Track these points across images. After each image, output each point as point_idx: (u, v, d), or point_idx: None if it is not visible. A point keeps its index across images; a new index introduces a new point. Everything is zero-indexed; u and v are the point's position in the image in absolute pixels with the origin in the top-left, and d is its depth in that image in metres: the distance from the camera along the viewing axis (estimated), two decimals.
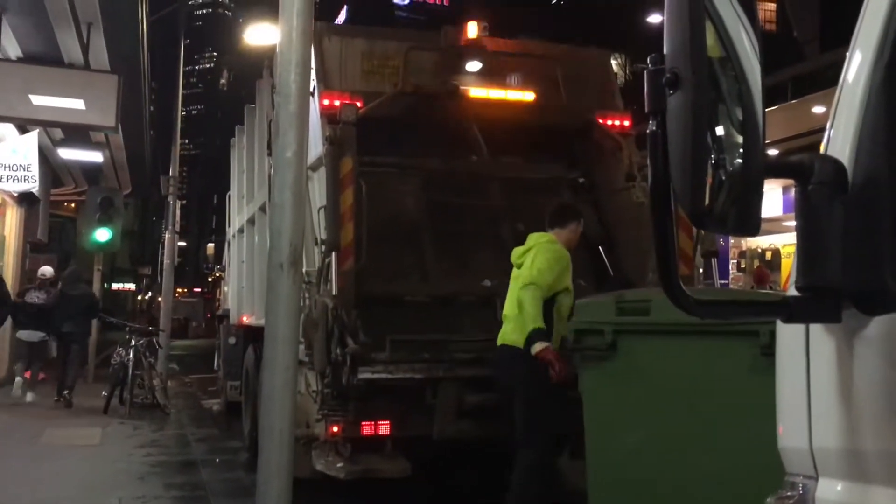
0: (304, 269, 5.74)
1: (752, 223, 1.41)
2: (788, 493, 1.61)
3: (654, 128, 1.34)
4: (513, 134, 6.41)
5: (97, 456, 7.55)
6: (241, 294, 9.57)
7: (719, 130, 1.39)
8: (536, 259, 4.70)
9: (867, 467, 1.46)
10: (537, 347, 4.43)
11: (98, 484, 6.27)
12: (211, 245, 14.29)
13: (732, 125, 1.41)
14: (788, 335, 1.64)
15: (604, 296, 4.40)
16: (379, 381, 4.89)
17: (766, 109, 1.42)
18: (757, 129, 1.39)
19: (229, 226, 11.38)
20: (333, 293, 5.07)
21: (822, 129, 1.64)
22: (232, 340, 10.38)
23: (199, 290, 47.40)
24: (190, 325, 36.27)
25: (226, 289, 12.24)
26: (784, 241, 15.17)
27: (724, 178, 1.37)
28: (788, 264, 15.10)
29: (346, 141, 5.26)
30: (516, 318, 4.65)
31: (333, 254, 5.14)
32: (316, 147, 6.01)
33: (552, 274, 4.63)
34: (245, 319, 8.90)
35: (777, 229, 13.82)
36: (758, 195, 1.41)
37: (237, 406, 9.42)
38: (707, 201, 1.35)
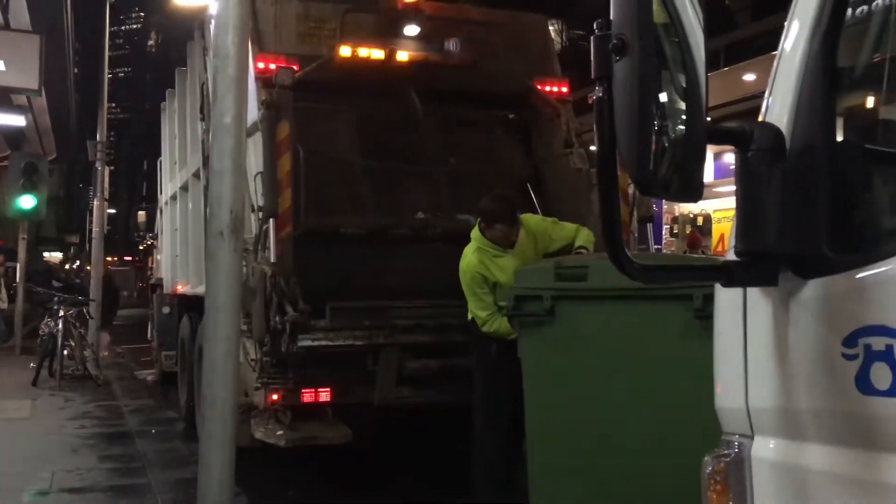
0: (244, 236, 5.68)
1: (694, 188, 1.43)
2: (725, 452, 1.67)
3: (600, 94, 1.35)
4: (450, 99, 6.37)
5: (28, 429, 7.37)
6: (175, 262, 9.36)
7: (664, 97, 1.40)
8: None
9: (800, 425, 1.51)
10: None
11: (30, 457, 6.11)
12: (142, 212, 13.89)
13: (676, 92, 1.42)
14: (726, 298, 1.68)
15: (543, 262, 4.44)
16: (319, 348, 4.86)
17: None
18: (700, 96, 1.41)
19: (161, 193, 11.08)
20: (272, 261, 5.00)
21: (754, 97, 1.67)
22: (166, 310, 10.20)
23: (130, 258, 46.20)
24: (121, 295, 35.37)
25: (159, 257, 11.94)
26: (715, 207, 15.52)
27: (667, 144, 1.39)
28: (720, 229, 15.51)
29: (282, 105, 5.15)
30: None
31: (271, 220, 5.05)
32: (251, 112, 5.86)
33: (479, 300, 4.57)
34: (180, 288, 8.72)
35: (709, 195, 14.11)
36: (700, 161, 1.44)
37: (172, 376, 9.27)
38: (651, 167, 1.36)
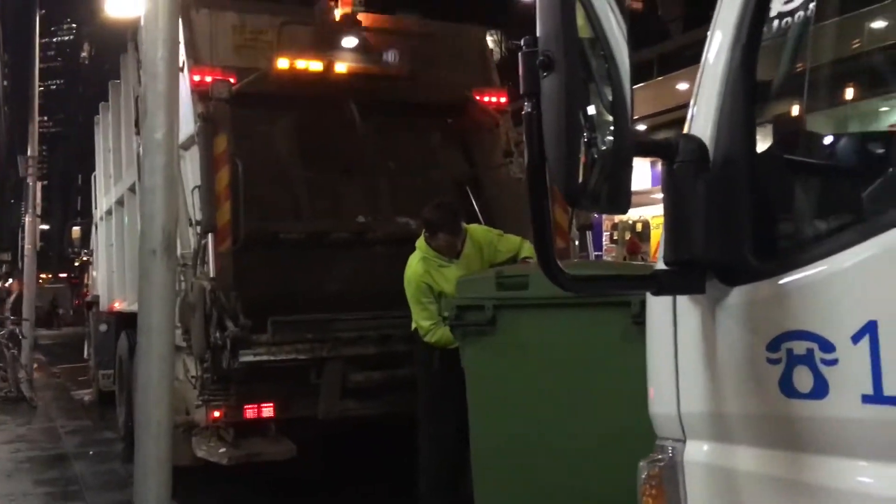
0: (178, 252, 5.58)
1: (622, 201, 1.46)
2: (659, 456, 1.70)
3: (529, 109, 1.37)
4: (390, 110, 6.38)
5: None
6: (111, 279, 9.15)
7: (591, 110, 1.43)
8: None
9: (729, 428, 1.56)
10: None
11: None
12: (76, 228, 13.55)
13: (603, 105, 1.45)
14: (657, 306, 1.72)
15: (484, 271, 4.47)
16: (261, 363, 4.80)
17: (634, 87, 1.47)
18: (625, 108, 1.44)
19: (96, 208, 10.82)
20: (211, 275, 4.92)
21: (687, 106, 1.72)
22: (103, 327, 9.94)
23: (65, 275, 44.92)
24: (56, 313, 34.37)
25: (94, 274, 11.65)
26: (653, 213, 15.86)
27: (595, 157, 1.41)
28: (658, 235, 15.81)
29: (219, 119, 5.09)
30: None
31: (210, 235, 4.98)
32: (187, 125, 5.76)
33: (424, 309, 4.53)
34: (117, 305, 8.52)
35: (646, 202, 14.41)
36: (627, 173, 1.47)
37: (110, 395, 9.04)
38: (580, 180, 1.39)
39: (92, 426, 8.88)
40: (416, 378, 4.73)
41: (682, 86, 12.74)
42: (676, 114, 12.10)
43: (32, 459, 6.82)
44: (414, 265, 4.65)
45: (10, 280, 16.67)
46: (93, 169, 10.87)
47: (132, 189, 7.50)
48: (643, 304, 1.83)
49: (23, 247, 15.47)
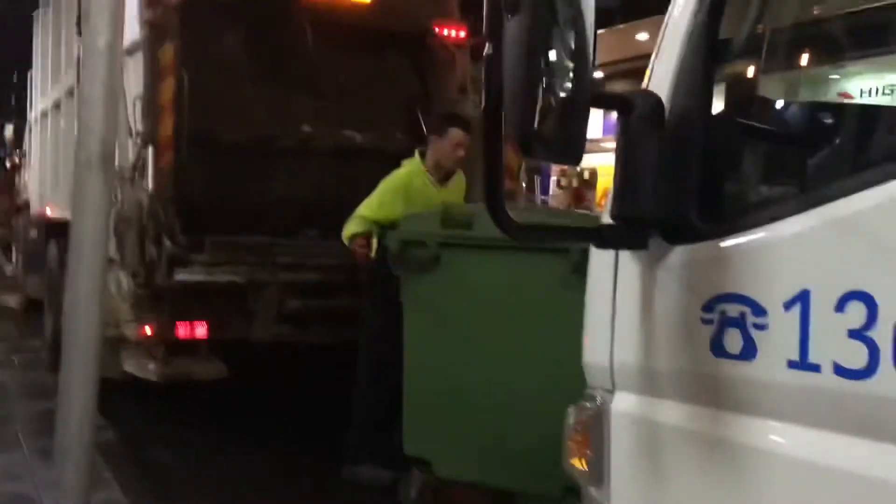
0: (115, 163, 5.40)
1: (576, 151, 1.45)
2: (587, 405, 1.74)
3: (489, 50, 1.34)
4: (346, 35, 6.21)
5: None
6: (43, 184, 8.83)
7: (552, 56, 1.40)
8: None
9: (658, 383, 1.60)
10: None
11: None
12: (10, 126, 13.00)
13: (564, 53, 1.42)
14: (599, 257, 1.73)
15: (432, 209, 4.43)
16: (196, 283, 4.73)
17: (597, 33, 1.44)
18: (587, 57, 1.41)
19: (31, 108, 10.38)
20: (149, 189, 4.79)
21: (646, 56, 1.70)
22: (33, 233, 9.66)
23: None
24: None
25: (26, 177, 11.23)
26: (601, 162, 15.95)
27: (553, 104, 1.39)
28: (604, 184, 15.96)
29: (167, 27, 4.88)
30: None
31: (150, 147, 4.83)
32: (132, 30, 5.53)
33: (380, 205, 4.39)
34: (48, 212, 8.25)
35: (596, 149, 14.46)
36: (583, 123, 1.45)
37: (38, 303, 8.84)
38: (535, 127, 1.37)
39: (17, 333, 8.69)
40: (357, 307, 4.67)
41: (643, 35, 12.71)
42: (634, 63, 12.10)
43: None
44: (401, 172, 4.57)
45: None
46: (30, 66, 10.38)
47: (70, 93, 7.18)
48: (584, 253, 1.84)
49: None
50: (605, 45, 13.68)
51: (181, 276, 4.65)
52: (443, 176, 4.63)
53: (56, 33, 8.28)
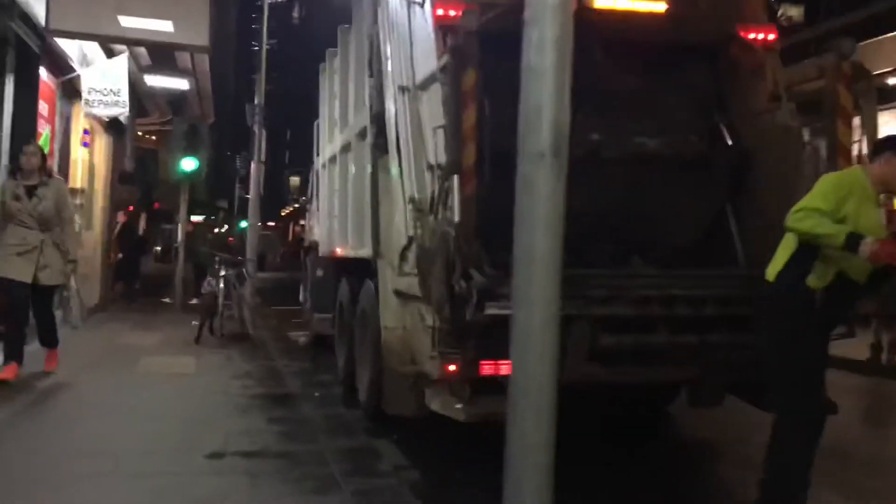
0: (414, 195, 5.33)
1: None
2: None
3: None
4: (640, 51, 5.75)
5: (194, 386, 7.41)
6: (332, 225, 9.23)
7: None
8: (812, 190, 3.99)
9: None
10: (866, 247, 3.63)
11: (200, 416, 6.07)
12: (295, 177, 14.02)
13: None
14: None
15: None
16: (507, 316, 4.42)
17: None
18: None
19: (317, 154, 11.02)
20: (456, 220, 4.59)
21: None
22: (320, 273, 10.15)
23: (272, 224, 47.81)
24: (265, 259, 36.68)
25: (312, 221, 11.95)
26: None
27: None
28: None
29: (468, 51, 4.72)
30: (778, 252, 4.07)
31: (455, 177, 4.65)
32: (427, 63, 5.51)
33: (827, 198, 3.82)
34: (339, 251, 8.57)
35: None
36: None
37: (324, 339, 9.21)
38: None
39: (311, 368, 9.08)
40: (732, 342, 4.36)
41: None
42: None
43: (262, 397, 6.97)
44: (846, 174, 4.14)
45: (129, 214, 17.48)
46: (302, 124, 11.03)
47: (361, 134, 7.40)
48: None
49: (239, 196, 16.28)
50: None
51: (492, 310, 4.37)
52: (879, 194, 4.07)
53: (343, 81, 8.65)
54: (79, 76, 10.31)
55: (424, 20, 5.62)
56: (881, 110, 5.61)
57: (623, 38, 5.59)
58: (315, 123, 11.12)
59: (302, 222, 20.03)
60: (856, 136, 5.37)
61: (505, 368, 4.78)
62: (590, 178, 5.30)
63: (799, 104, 5.62)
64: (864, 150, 5.30)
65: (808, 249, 3.81)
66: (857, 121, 5.31)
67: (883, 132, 5.50)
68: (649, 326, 4.61)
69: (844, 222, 3.74)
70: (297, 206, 17.37)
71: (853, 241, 3.65)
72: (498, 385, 4.78)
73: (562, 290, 4.48)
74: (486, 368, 4.75)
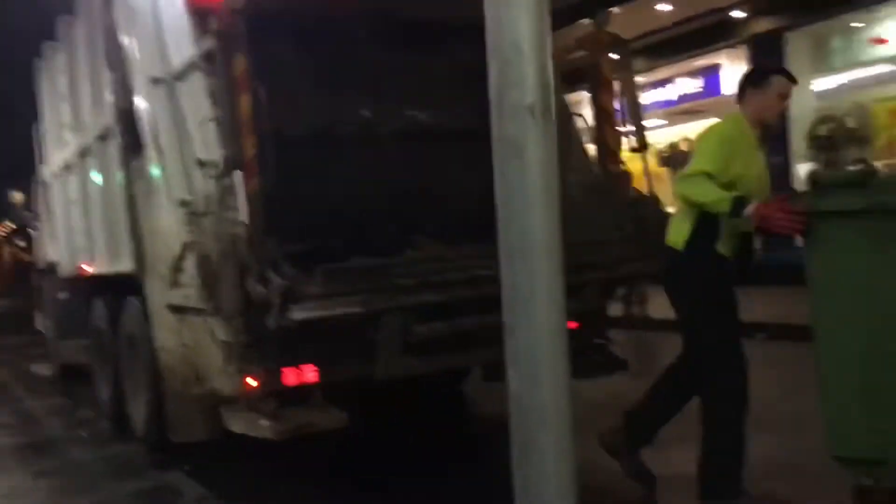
0: (185, 197, 4.78)
1: None
2: None
3: None
4: (400, 28, 5.60)
5: None
6: (74, 241, 8.15)
7: None
8: (696, 150, 3.80)
9: None
10: (749, 210, 3.41)
11: None
12: (18, 193, 12.36)
13: None
14: None
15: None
16: (312, 319, 4.06)
17: None
18: None
19: (42, 163, 9.74)
20: (243, 220, 4.13)
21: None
22: (63, 295, 9.04)
23: None
24: None
25: (44, 239, 10.55)
26: None
27: None
28: None
29: (235, 34, 4.25)
30: (674, 218, 3.84)
31: (236, 173, 4.19)
32: (182, 49, 4.97)
33: (714, 158, 3.61)
34: (87, 269, 7.57)
35: None
36: None
37: (72, 368, 8.24)
38: None
39: (68, 404, 8.02)
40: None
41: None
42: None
43: (19, 448, 5.98)
44: (726, 125, 3.83)
45: None
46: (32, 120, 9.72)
47: (103, 136, 6.57)
48: None
49: None
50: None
51: (298, 314, 3.99)
52: (760, 135, 3.87)
53: (74, 78, 7.64)
54: None
55: (171, 2, 5.08)
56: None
57: (384, 14, 5.42)
58: (33, 127, 9.80)
59: (21, 243, 17.86)
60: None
61: (311, 374, 4.45)
62: (365, 157, 5.12)
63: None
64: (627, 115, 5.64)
65: (711, 214, 3.62)
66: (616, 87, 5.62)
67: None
68: (459, 310, 4.49)
69: (735, 185, 3.58)
70: (11, 224, 15.44)
71: (739, 205, 3.45)
72: (303, 394, 4.45)
73: (367, 283, 4.30)
74: (290, 377, 4.38)
